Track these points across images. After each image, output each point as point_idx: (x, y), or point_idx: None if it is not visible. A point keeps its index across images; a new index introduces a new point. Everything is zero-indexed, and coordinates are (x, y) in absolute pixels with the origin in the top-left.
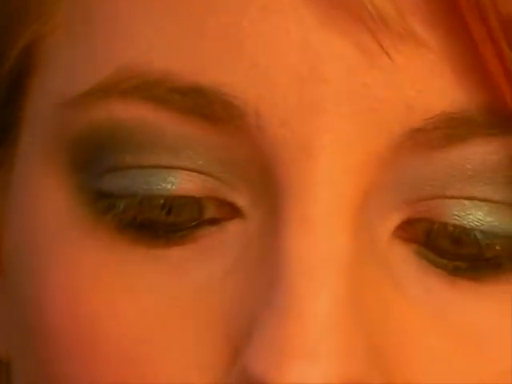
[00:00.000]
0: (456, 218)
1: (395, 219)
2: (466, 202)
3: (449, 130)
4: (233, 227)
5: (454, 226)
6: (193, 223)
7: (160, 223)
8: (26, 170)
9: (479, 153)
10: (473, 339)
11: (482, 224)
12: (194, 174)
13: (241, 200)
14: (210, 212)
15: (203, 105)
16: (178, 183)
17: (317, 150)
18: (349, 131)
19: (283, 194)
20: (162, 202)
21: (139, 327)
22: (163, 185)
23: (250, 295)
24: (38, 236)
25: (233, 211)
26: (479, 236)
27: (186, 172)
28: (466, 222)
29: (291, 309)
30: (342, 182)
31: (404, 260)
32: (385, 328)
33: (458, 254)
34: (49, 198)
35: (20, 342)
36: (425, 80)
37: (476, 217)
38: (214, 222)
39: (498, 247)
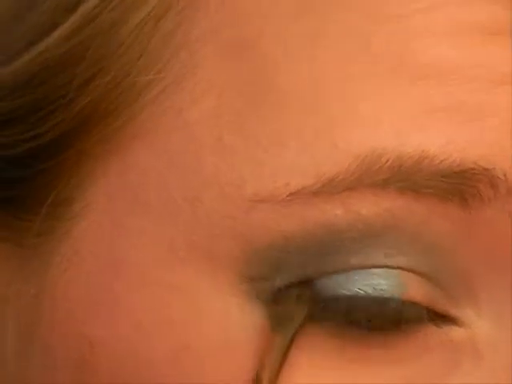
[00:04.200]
0: None
1: None
2: None
3: None
4: (456, 335)
5: None
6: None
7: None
8: (148, 271)
9: None
10: None
11: None
12: (423, 280)
13: (461, 311)
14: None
15: (467, 186)
16: (407, 288)
17: None
18: None
19: None
20: (391, 307)
21: None
22: (391, 289)
23: None
24: (199, 349)
25: (450, 320)
26: None
27: (414, 277)
28: None
29: None
30: None
31: None
32: None
33: None
34: (209, 308)
35: None
36: None
37: None
38: (434, 322)
39: None
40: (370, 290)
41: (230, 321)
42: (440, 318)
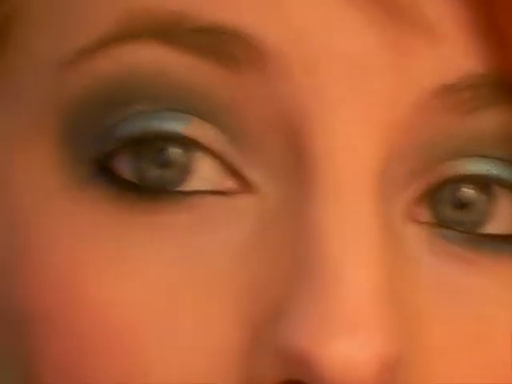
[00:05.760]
0: (472, 171)
1: (409, 192)
2: (482, 158)
3: (477, 92)
4: (244, 202)
5: (471, 178)
6: (199, 188)
7: (162, 181)
8: None
9: (502, 121)
10: (488, 325)
11: (498, 177)
12: (208, 125)
13: (253, 173)
14: (217, 178)
15: (222, 45)
16: (191, 125)
17: (341, 102)
18: (379, 84)
19: (305, 159)
20: (173, 142)
21: (143, 309)
22: (174, 122)
23: (271, 273)
24: (26, 212)
25: (243, 184)
26: (495, 188)
27: (202, 120)
28: (482, 174)
29: (332, 282)
30: (367, 142)
31: (416, 239)
32: (411, 302)
33: (471, 222)
34: (36, 171)
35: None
36: (458, 40)
37: (492, 172)
38: (221, 193)
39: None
40: (157, 127)
41: (53, 191)
42: (232, 176)
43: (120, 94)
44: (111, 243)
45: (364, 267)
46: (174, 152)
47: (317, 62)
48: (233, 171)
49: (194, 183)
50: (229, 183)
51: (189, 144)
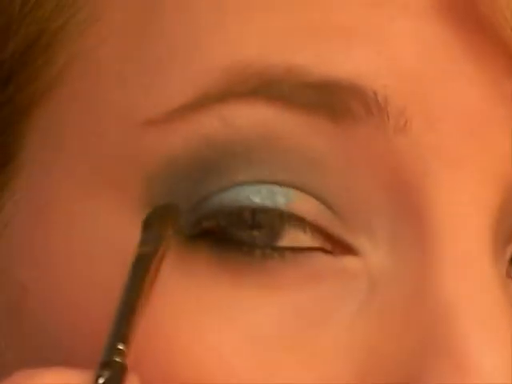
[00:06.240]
0: None
1: (509, 249)
2: None
3: None
4: (350, 264)
5: None
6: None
7: (251, 239)
8: (50, 202)
9: None
10: None
11: None
12: (311, 197)
13: (356, 239)
14: (312, 242)
15: (337, 100)
16: (290, 200)
17: (461, 157)
18: (497, 136)
19: (423, 221)
20: (271, 215)
21: (249, 373)
22: (273, 198)
23: (386, 340)
24: (108, 275)
25: (344, 248)
26: None
27: (302, 193)
28: None
29: (470, 361)
30: (487, 197)
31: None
32: None
33: None
34: (105, 224)
35: None
36: None
37: None
38: (324, 251)
39: None
40: (255, 201)
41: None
42: (333, 244)
43: (219, 160)
44: (214, 309)
45: (499, 347)
46: (268, 219)
47: (438, 114)
48: (332, 238)
49: (285, 242)
50: (327, 246)
51: (285, 217)
